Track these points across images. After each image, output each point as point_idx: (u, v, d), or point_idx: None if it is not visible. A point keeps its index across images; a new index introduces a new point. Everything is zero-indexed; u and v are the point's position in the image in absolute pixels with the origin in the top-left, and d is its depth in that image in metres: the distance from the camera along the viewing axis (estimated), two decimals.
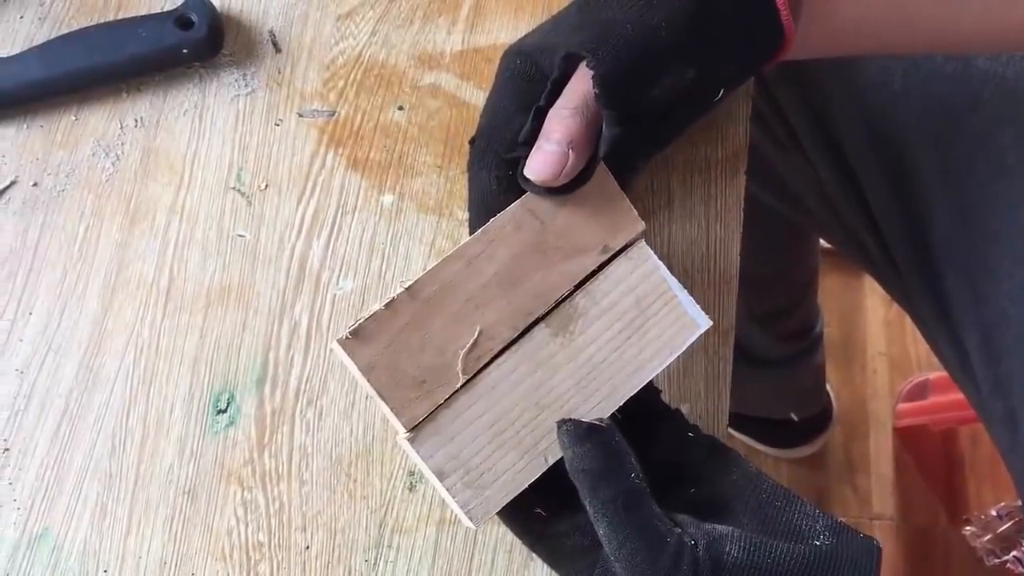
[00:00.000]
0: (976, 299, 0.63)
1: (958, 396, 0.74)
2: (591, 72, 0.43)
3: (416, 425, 0.42)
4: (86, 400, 0.54)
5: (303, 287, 0.56)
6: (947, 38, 0.51)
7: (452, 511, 0.50)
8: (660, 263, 0.48)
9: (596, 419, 0.43)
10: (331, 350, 0.52)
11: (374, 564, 0.51)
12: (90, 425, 0.53)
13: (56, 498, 0.52)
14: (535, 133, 0.45)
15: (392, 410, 0.43)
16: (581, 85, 0.44)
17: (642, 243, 0.48)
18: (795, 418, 1.29)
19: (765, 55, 0.47)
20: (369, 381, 0.43)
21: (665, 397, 0.53)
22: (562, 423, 0.43)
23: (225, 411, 0.53)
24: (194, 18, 0.59)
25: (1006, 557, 1.27)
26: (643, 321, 0.47)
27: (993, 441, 0.68)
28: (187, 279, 0.56)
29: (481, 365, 0.44)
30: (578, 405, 0.45)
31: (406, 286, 0.43)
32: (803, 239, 0.99)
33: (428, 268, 0.44)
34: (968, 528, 1.31)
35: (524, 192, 0.46)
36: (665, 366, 0.46)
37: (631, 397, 0.45)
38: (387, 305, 0.43)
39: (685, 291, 0.48)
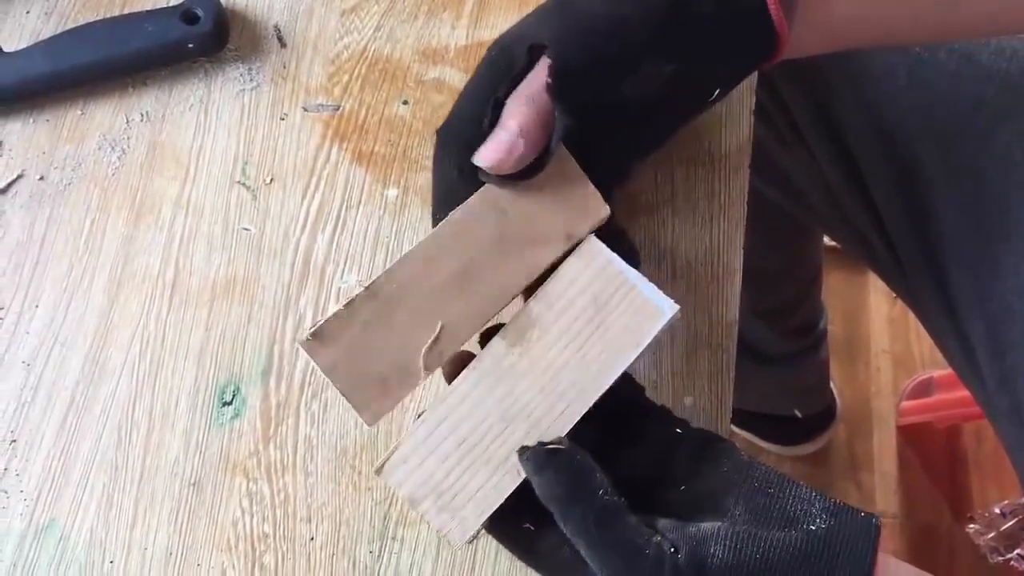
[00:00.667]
0: (982, 295, 0.63)
1: (962, 393, 0.73)
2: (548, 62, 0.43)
3: (385, 462, 0.43)
4: (92, 392, 0.54)
5: (308, 281, 0.56)
6: (949, 26, 0.51)
7: None
8: (613, 255, 0.45)
9: (555, 440, 0.42)
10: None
11: (378, 556, 0.51)
12: (96, 417, 0.53)
13: (62, 489, 0.52)
14: (494, 123, 0.44)
15: (356, 407, 0.43)
16: (541, 74, 0.44)
17: (591, 238, 0.45)
18: (799, 415, 1.29)
19: (758, 54, 0.46)
20: (332, 380, 0.43)
21: (669, 391, 0.54)
22: (522, 451, 0.42)
23: (230, 403, 0.54)
24: (200, 13, 0.59)
25: (1010, 555, 1.27)
26: (603, 317, 0.44)
27: (999, 437, 0.68)
28: (192, 272, 0.56)
29: (443, 360, 0.44)
30: (545, 413, 0.43)
31: (365, 285, 0.43)
32: (807, 235, 0.99)
33: (387, 266, 0.44)
34: (972, 526, 1.31)
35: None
36: (633, 360, 0.44)
37: (612, 395, 0.44)
38: (346, 305, 0.43)
39: (644, 279, 0.45)
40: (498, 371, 0.44)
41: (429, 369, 0.43)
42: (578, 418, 0.43)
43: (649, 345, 0.44)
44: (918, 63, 0.64)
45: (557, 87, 0.43)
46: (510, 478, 0.42)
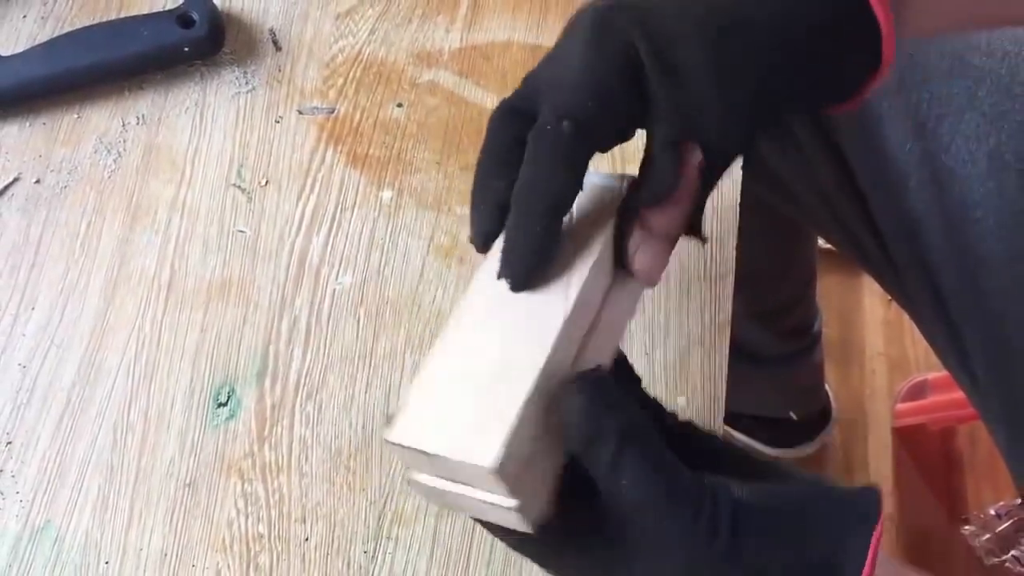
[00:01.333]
0: (975, 296, 0.63)
1: (957, 395, 0.74)
2: None
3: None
4: (88, 394, 0.54)
5: (303, 282, 0.56)
6: None
7: None
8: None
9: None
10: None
11: (373, 556, 0.51)
12: (92, 419, 0.54)
13: (58, 491, 0.52)
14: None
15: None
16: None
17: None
18: (794, 417, 1.30)
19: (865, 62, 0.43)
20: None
21: (662, 391, 0.54)
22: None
23: (225, 404, 0.54)
24: (195, 17, 0.60)
25: (1005, 556, 1.27)
26: (572, 224, 0.41)
27: (993, 439, 0.68)
28: (188, 274, 0.57)
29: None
30: (537, 323, 0.39)
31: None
32: (801, 236, 1.00)
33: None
34: (967, 527, 1.31)
35: None
36: (601, 249, 0.40)
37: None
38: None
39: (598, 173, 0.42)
40: (483, 303, 0.40)
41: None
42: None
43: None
44: (910, 65, 0.64)
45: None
46: (520, 386, 0.37)
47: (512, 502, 0.36)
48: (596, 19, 0.40)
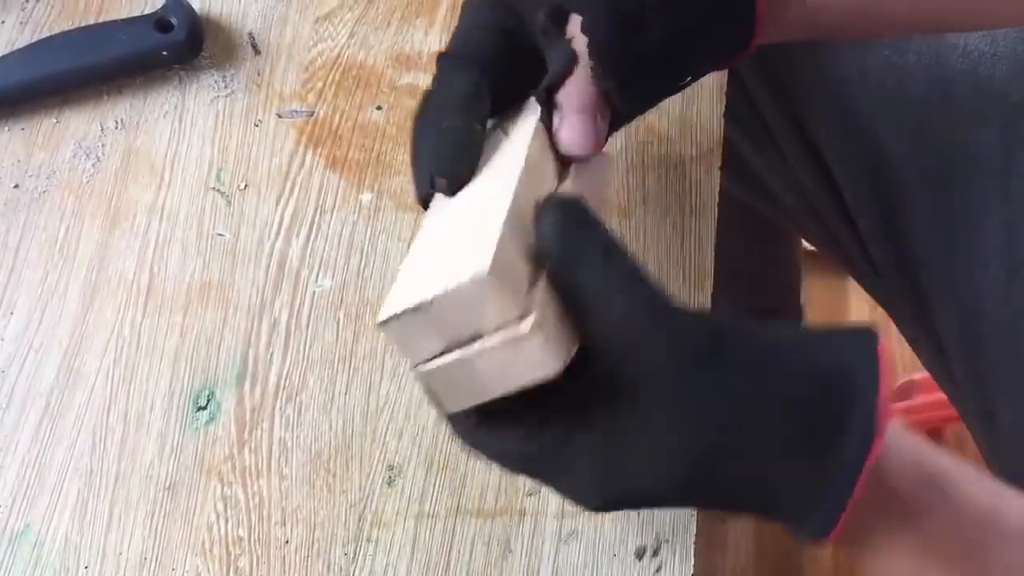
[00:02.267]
0: (952, 295, 0.64)
1: (943, 396, 0.74)
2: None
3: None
4: (67, 398, 0.54)
5: (282, 285, 0.56)
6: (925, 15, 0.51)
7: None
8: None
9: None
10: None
11: (353, 558, 0.51)
12: (71, 423, 0.53)
13: (37, 495, 0.52)
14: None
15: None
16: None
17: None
18: None
19: (736, 39, 0.46)
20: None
21: None
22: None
23: (205, 408, 0.54)
24: (174, 21, 0.60)
25: None
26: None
27: (973, 437, 0.69)
28: (167, 278, 0.56)
29: None
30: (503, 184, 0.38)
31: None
32: (784, 238, 1.00)
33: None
34: None
35: None
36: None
37: None
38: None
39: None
40: (442, 205, 0.41)
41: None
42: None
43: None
44: (887, 66, 0.65)
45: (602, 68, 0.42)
46: (496, 216, 0.35)
47: (528, 321, 0.33)
48: None
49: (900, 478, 0.38)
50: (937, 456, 0.40)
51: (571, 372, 0.35)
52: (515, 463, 0.38)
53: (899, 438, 0.38)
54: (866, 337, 0.38)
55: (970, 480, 0.39)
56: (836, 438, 0.35)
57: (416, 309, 0.34)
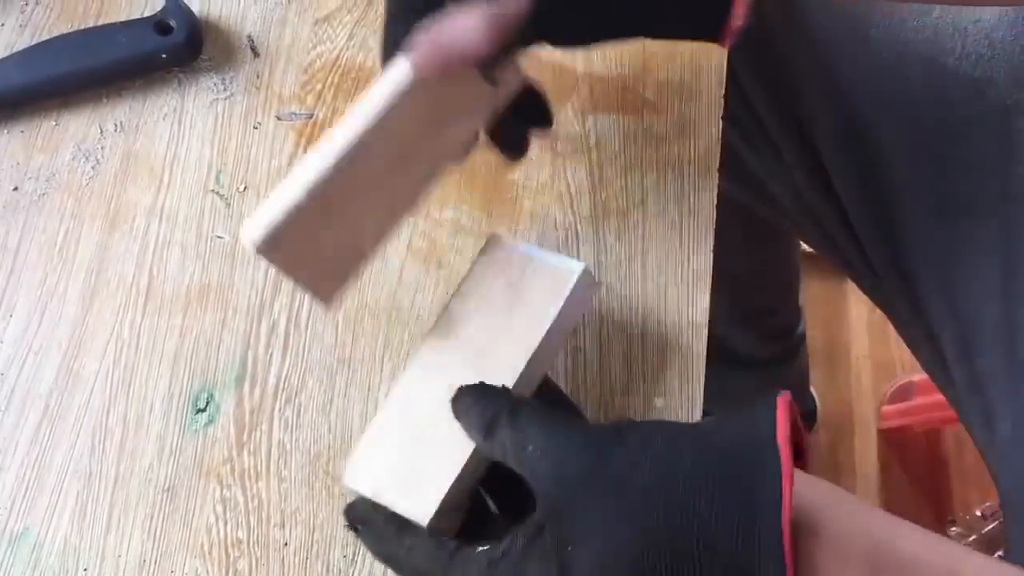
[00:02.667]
0: (949, 297, 0.64)
1: (942, 397, 0.74)
2: None
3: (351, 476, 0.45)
4: (66, 400, 0.54)
5: (281, 287, 0.56)
6: None
7: None
8: (517, 243, 0.49)
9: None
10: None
11: (352, 559, 0.51)
12: (70, 425, 0.54)
13: (36, 497, 0.52)
14: None
15: (314, 293, 0.45)
16: None
17: (496, 237, 0.50)
18: None
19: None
20: (291, 275, 0.44)
21: (639, 393, 0.54)
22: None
23: (204, 409, 0.54)
24: (173, 23, 0.60)
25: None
26: (519, 295, 0.47)
27: (972, 439, 0.69)
28: (167, 280, 0.57)
29: (388, 231, 0.47)
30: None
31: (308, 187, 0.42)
32: (782, 239, 1.00)
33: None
34: (953, 529, 1.31)
35: None
36: (555, 320, 0.46)
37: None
38: (295, 206, 0.42)
39: (553, 253, 0.49)
40: (434, 368, 0.47)
41: (374, 245, 0.47)
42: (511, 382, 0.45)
43: (572, 305, 0.47)
44: (885, 67, 0.65)
45: None
46: (460, 451, 0.43)
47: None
48: None
49: None
50: (888, 531, 0.39)
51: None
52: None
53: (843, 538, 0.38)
54: (767, 409, 0.39)
55: (927, 545, 0.39)
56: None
57: (374, 493, 0.44)
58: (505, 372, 0.45)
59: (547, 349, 0.47)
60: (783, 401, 0.38)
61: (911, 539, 0.39)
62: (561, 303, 0.46)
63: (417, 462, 0.44)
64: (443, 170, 0.49)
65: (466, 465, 0.43)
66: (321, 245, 0.44)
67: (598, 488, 0.38)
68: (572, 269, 0.48)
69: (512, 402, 0.41)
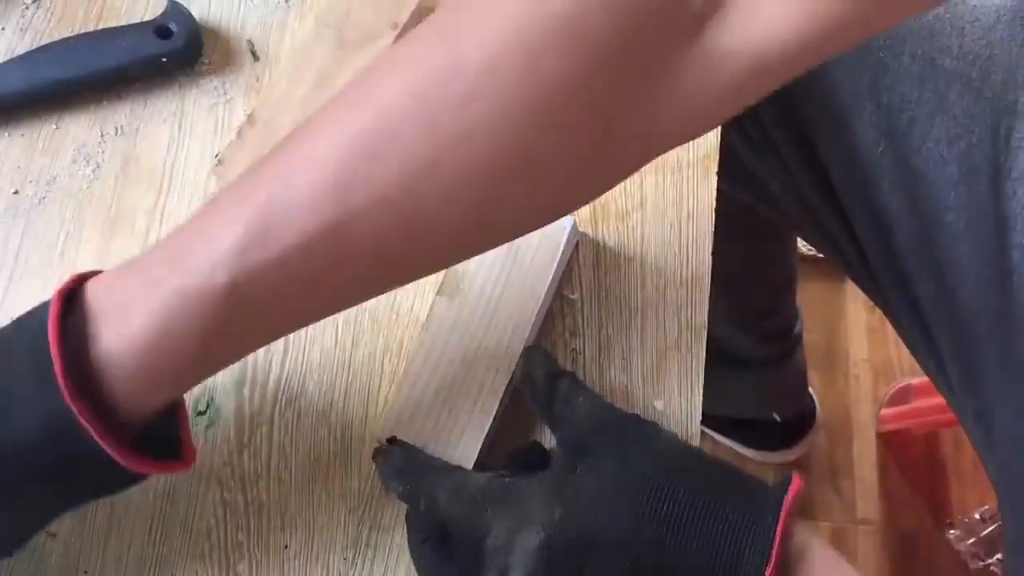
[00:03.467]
0: (945, 298, 0.64)
1: (941, 400, 0.74)
2: None
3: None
4: None
5: None
6: None
7: None
8: None
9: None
10: (211, 180, 0.59)
11: (352, 562, 0.51)
12: None
13: None
14: None
15: None
16: None
17: None
18: (778, 419, 1.30)
19: None
20: None
21: (639, 395, 0.54)
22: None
23: (205, 412, 0.54)
24: (173, 28, 0.60)
25: (990, 560, 1.28)
26: (516, 252, 0.53)
27: (970, 440, 0.69)
28: None
29: None
30: (496, 342, 0.52)
31: (247, 113, 0.57)
32: (780, 239, 1.00)
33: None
34: (952, 531, 1.31)
35: None
36: (556, 271, 0.54)
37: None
38: (237, 135, 0.57)
39: None
40: (448, 323, 0.52)
41: None
42: (526, 336, 0.52)
43: (564, 256, 0.54)
44: (881, 68, 0.65)
45: None
46: (492, 399, 0.51)
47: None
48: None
49: None
50: None
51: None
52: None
53: None
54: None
55: None
56: None
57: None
58: (516, 327, 0.52)
59: (549, 296, 0.54)
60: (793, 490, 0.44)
61: None
62: (559, 254, 0.53)
63: (451, 416, 0.50)
64: None
65: (496, 413, 0.50)
66: None
67: (617, 448, 0.45)
68: (564, 226, 0.54)
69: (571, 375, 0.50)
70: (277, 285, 0.39)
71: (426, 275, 0.44)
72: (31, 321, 0.40)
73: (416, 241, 0.40)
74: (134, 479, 0.42)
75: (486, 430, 0.50)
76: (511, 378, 0.51)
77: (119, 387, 0.39)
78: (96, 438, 0.38)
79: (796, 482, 0.45)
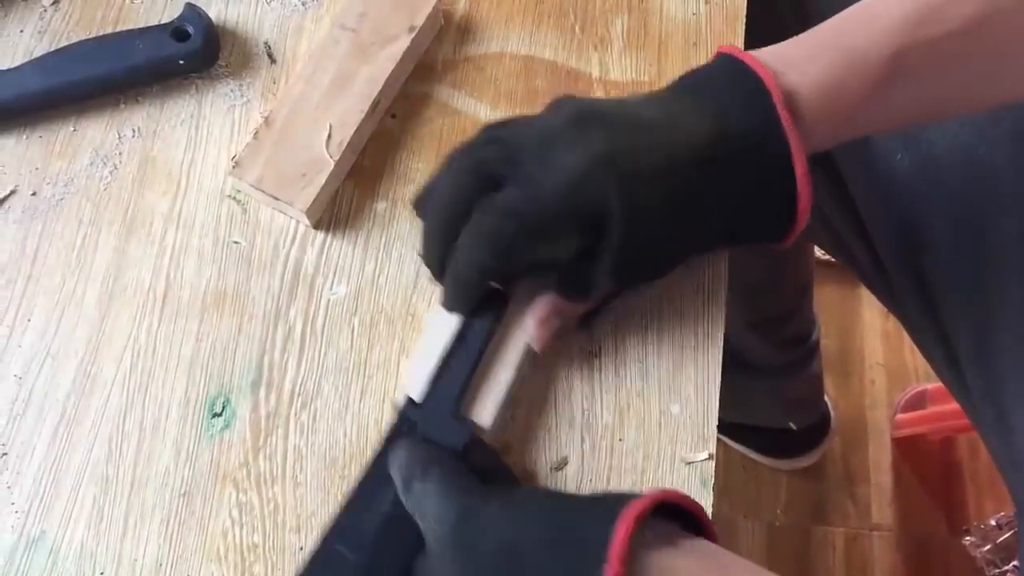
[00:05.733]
0: (965, 303, 0.63)
1: (955, 405, 0.74)
2: None
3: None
4: (83, 405, 0.54)
5: (297, 292, 0.57)
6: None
7: None
8: None
9: None
10: (228, 182, 0.60)
11: None
12: (87, 429, 0.54)
13: (53, 501, 0.52)
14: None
15: (290, 203, 0.56)
16: None
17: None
18: (793, 427, 1.30)
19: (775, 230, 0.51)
20: (264, 190, 0.56)
21: (655, 399, 0.54)
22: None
23: (220, 414, 0.54)
24: (190, 30, 0.60)
25: (1006, 567, 1.27)
26: None
27: (986, 446, 0.68)
28: (183, 285, 0.57)
29: (343, 148, 0.57)
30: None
31: (264, 115, 0.59)
32: (797, 246, 1.00)
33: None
34: (968, 538, 1.31)
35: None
36: None
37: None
38: (254, 136, 0.57)
39: None
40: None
41: (333, 156, 0.57)
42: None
43: None
44: None
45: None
46: (511, 363, 0.52)
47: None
48: (592, 164, 0.46)
49: None
50: None
51: None
52: None
53: None
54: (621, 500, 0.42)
55: None
56: None
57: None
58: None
59: None
60: (644, 501, 0.41)
61: None
62: None
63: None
64: (380, 87, 0.59)
65: (514, 378, 0.52)
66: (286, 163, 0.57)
67: (453, 552, 0.43)
68: None
69: (428, 462, 0.46)
70: (935, 59, 0.48)
71: None
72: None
73: None
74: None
75: (503, 393, 0.51)
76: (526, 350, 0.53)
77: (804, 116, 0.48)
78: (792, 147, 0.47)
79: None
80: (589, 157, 0.46)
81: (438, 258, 0.49)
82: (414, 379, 0.51)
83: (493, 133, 0.49)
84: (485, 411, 0.51)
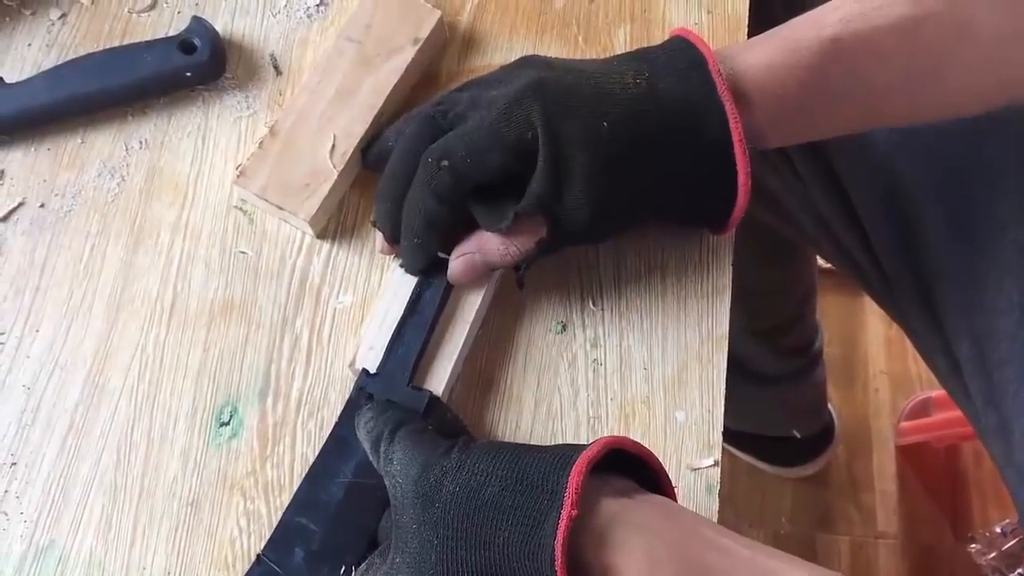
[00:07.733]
0: (967, 311, 0.64)
1: (960, 413, 0.74)
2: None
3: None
4: (92, 415, 0.55)
5: (304, 302, 0.57)
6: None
7: None
8: None
9: None
10: (234, 193, 0.60)
11: None
12: (95, 439, 0.54)
13: (62, 511, 0.53)
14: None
15: (294, 212, 0.56)
16: None
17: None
18: (797, 435, 1.30)
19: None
20: (268, 199, 0.56)
21: (660, 405, 0.54)
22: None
23: (228, 423, 0.54)
24: (197, 43, 0.61)
25: (1012, 574, 1.27)
26: None
27: (989, 454, 0.69)
28: (191, 295, 0.57)
29: (346, 158, 0.57)
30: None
31: (268, 126, 0.59)
32: (799, 255, 1.00)
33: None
34: (973, 545, 1.30)
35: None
36: None
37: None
38: (259, 146, 0.58)
39: None
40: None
41: (337, 166, 0.57)
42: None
43: None
44: None
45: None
46: (459, 334, 0.54)
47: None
48: (520, 91, 0.49)
49: None
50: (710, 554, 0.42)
51: None
52: None
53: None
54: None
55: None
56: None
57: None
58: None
59: None
60: (597, 445, 0.43)
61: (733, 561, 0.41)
62: None
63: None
64: (384, 99, 0.60)
65: (463, 345, 0.54)
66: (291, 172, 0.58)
67: (414, 501, 0.44)
68: None
69: (395, 424, 0.48)
70: (871, 47, 0.51)
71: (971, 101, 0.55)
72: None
73: (963, 50, 0.52)
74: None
75: (453, 360, 0.53)
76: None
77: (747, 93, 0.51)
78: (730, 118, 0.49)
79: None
80: (518, 88, 0.49)
81: (390, 219, 0.52)
82: (369, 350, 0.53)
83: (442, 96, 0.54)
84: (438, 381, 0.53)
